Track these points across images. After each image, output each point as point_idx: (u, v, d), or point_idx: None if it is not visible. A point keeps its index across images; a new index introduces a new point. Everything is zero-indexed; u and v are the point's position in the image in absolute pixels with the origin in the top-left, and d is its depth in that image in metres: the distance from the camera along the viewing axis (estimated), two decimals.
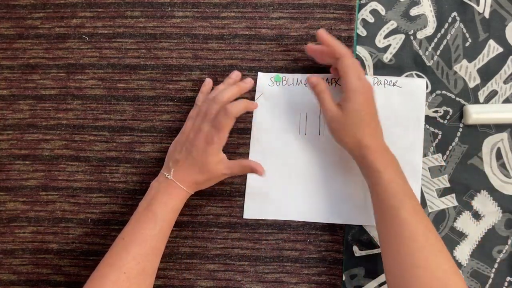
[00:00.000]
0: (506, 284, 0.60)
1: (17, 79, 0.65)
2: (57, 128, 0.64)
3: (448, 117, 0.63)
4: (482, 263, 0.60)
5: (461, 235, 0.61)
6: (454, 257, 0.60)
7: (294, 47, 0.64)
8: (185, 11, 0.65)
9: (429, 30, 0.64)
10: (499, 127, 0.62)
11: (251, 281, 0.60)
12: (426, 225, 0.50)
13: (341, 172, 0.61)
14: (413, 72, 0.63)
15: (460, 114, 0.63)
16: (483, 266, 0.60)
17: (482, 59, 0.63)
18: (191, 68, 0.64)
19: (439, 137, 0.62)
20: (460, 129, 0.62)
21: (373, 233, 0.61)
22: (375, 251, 0.61)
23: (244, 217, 0.61)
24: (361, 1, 0.65)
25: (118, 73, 0.65)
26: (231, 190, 0.62)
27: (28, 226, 0.62)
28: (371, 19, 0.65)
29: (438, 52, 0.63)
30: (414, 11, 0.65)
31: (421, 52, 0.64)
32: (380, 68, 0.63)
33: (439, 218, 0.61)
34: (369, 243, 0.61)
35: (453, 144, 0.62)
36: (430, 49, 0.64)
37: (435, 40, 0.64)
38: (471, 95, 0.63)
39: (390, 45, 0.64)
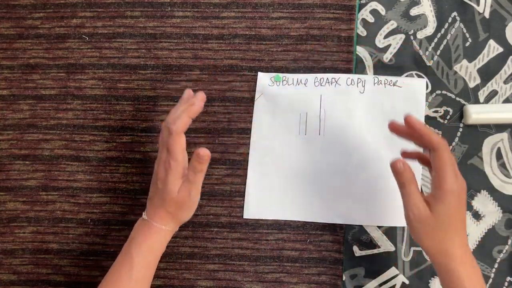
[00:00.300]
0: (506, 284, 0.60)
1: (17, 79, 0.65)
2: (57, 128, 0.64)
3: (448, 117, 0.63)
4: (482, 263, 0.60)
5: None
6: None
7: (294, 47, 0.64)
8: (185, 11, 0.65)
9: (429, 30, 0.64)
10: (499, 127, 0.62)
11: (251, 281, 0.60)
12: None
13: (341, 172, 0.61)
14: (413, 72, 0.63)
15: (460, 114, 0.63)
16: (483, 266, 0.60)
17: (482, 59, 0.63)
18: (191, 68, 0.64)
19: None
20: (460, 129, 0.62)
21: (373, 233, 0.61)
22: (375, 251, 0.61)
23: (244, 217, 0.61)
24: (361, 1, 0.65)
25: (118, 73, 0.65)
26: (231, 190, 0.62)
27: (28, 226, 0.62)
28: (371, 19, 0.65)
29: (438, 52, 0.63)
30: (414, 11, 0.65)
31: (421, 52, 0.64)
32: (380, 68, 0.63)
33: None
34: (369, 243, 0.61)
35: (453, 144, 0.62)
36: (430, 49, 0.64)
37: (435, 40, 0.64)
38: (471, 95, 0.63)
39: (390, 45, 0.64)
